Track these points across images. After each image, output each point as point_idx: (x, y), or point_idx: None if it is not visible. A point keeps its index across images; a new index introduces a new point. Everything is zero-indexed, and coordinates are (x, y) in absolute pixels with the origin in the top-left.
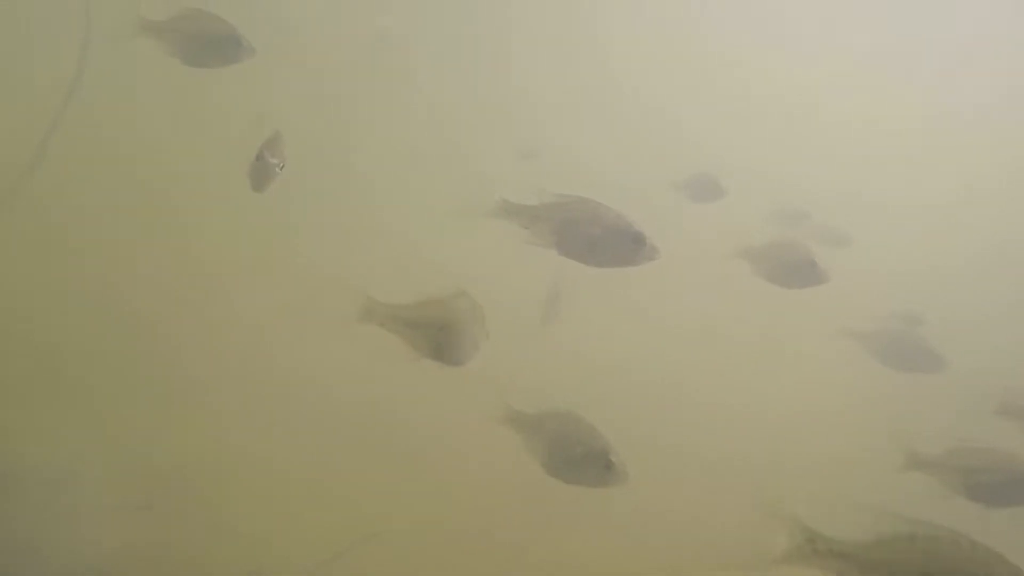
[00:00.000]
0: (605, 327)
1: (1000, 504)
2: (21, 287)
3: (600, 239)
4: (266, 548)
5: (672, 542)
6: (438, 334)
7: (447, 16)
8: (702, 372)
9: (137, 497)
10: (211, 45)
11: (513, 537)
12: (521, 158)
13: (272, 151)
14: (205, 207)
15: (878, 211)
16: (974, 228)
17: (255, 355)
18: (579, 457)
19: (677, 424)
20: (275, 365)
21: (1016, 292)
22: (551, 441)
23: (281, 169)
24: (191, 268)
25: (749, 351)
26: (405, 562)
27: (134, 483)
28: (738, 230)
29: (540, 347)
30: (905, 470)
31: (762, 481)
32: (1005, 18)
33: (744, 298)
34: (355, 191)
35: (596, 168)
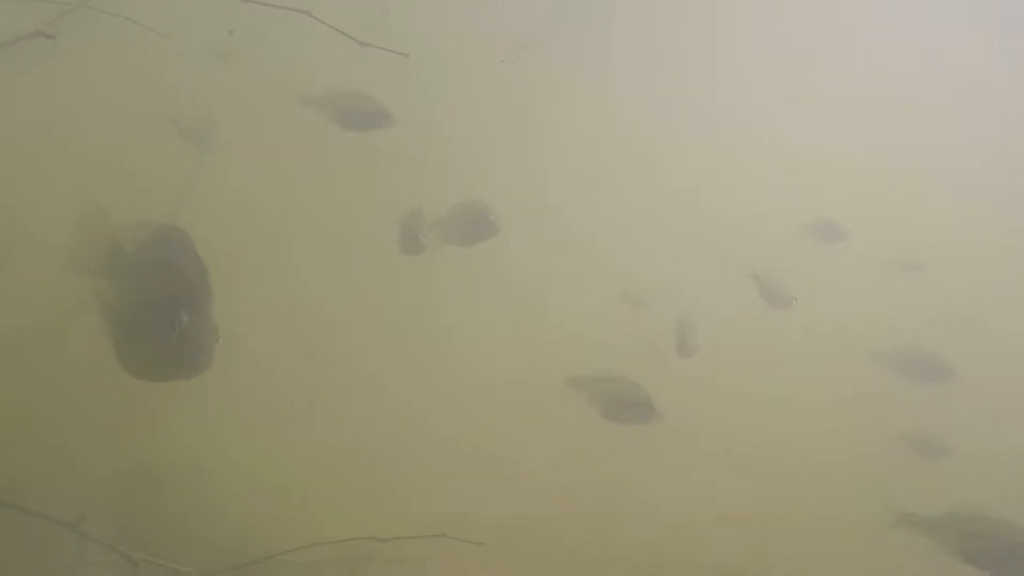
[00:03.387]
0: None
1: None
2: None
3: None
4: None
5: (698, 463)
6: None
7: (577, 82)
8: None
9: None
10: (363, 115)
11: (580, 465)
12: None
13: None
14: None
15: None
16: None
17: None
18: (629, 403)
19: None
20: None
21: None
22: (606, 395)
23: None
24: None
25: None
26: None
27: None
28: None
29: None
30: None
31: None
32: None
33: None
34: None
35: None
